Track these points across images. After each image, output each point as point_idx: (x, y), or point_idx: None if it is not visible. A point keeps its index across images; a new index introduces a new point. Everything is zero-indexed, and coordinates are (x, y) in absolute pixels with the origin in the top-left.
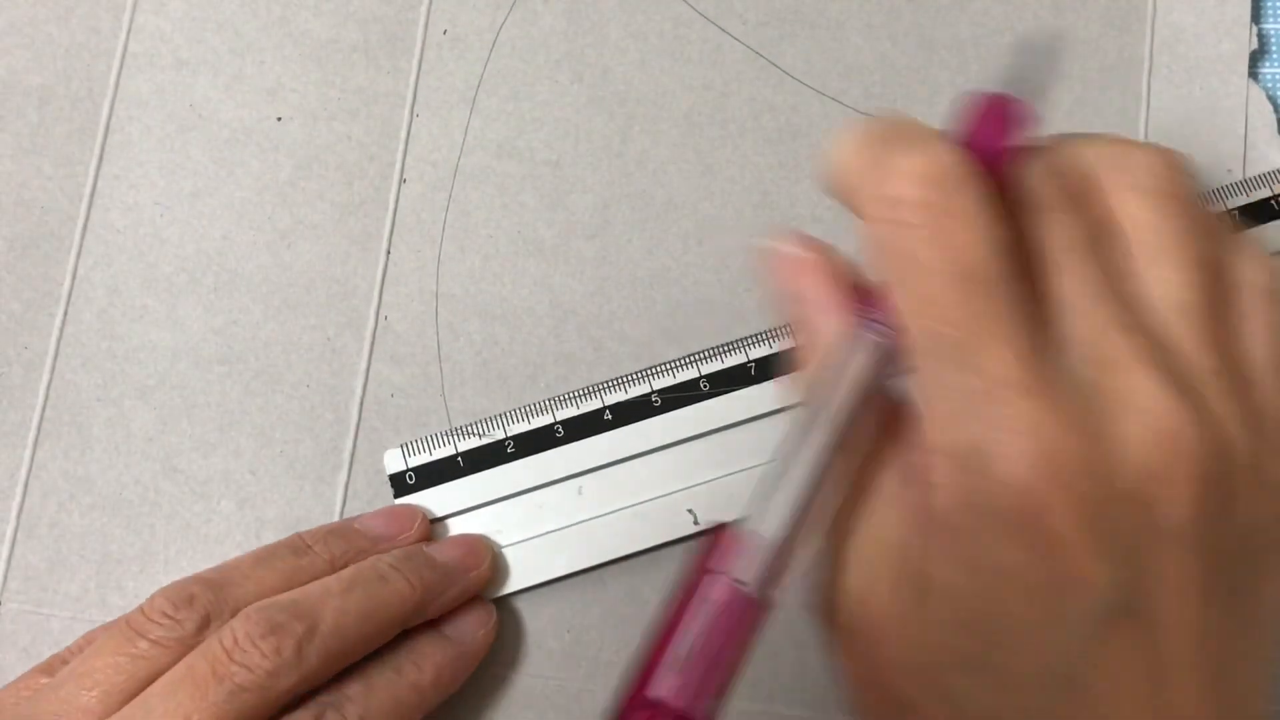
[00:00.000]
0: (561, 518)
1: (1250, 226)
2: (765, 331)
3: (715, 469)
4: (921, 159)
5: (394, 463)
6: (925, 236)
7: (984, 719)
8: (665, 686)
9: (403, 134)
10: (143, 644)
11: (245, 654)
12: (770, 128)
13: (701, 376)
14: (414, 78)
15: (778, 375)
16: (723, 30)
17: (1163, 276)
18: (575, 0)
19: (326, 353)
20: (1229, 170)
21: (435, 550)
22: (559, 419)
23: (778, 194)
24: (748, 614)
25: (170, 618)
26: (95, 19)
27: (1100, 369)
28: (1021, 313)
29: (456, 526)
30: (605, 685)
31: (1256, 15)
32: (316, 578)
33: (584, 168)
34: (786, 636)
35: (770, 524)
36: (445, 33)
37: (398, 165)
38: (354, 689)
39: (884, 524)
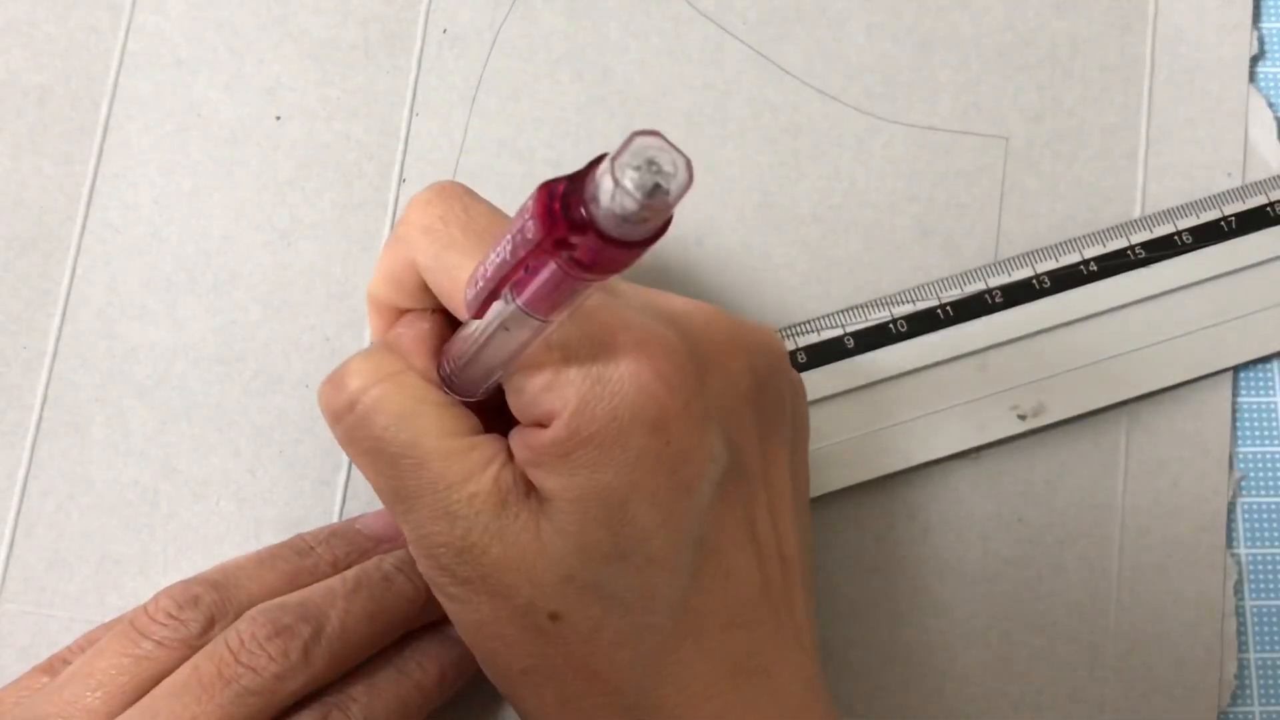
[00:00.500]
0: None
1: (1245, 233)
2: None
3: None
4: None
5: None
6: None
7: (635, 598)
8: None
9: (402, 133)
10: (147, 644)
11: (252, 656)
12: (770, 127)
13: None
14: (413, 77)
15: None
16: (723, 29)
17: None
18: None
19: (326, 353)
20: (1228, 174)
21: None
22: None
23: (778, 193)
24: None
25: (175, 618)
26: (94, 18)
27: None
28: None
29: None
30: None
31: (1257, 18)
32: (320, 578)
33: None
34: None
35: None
36: (445, 31)
37: (397, 165)
38: (358, 690)
39: (487, 470)
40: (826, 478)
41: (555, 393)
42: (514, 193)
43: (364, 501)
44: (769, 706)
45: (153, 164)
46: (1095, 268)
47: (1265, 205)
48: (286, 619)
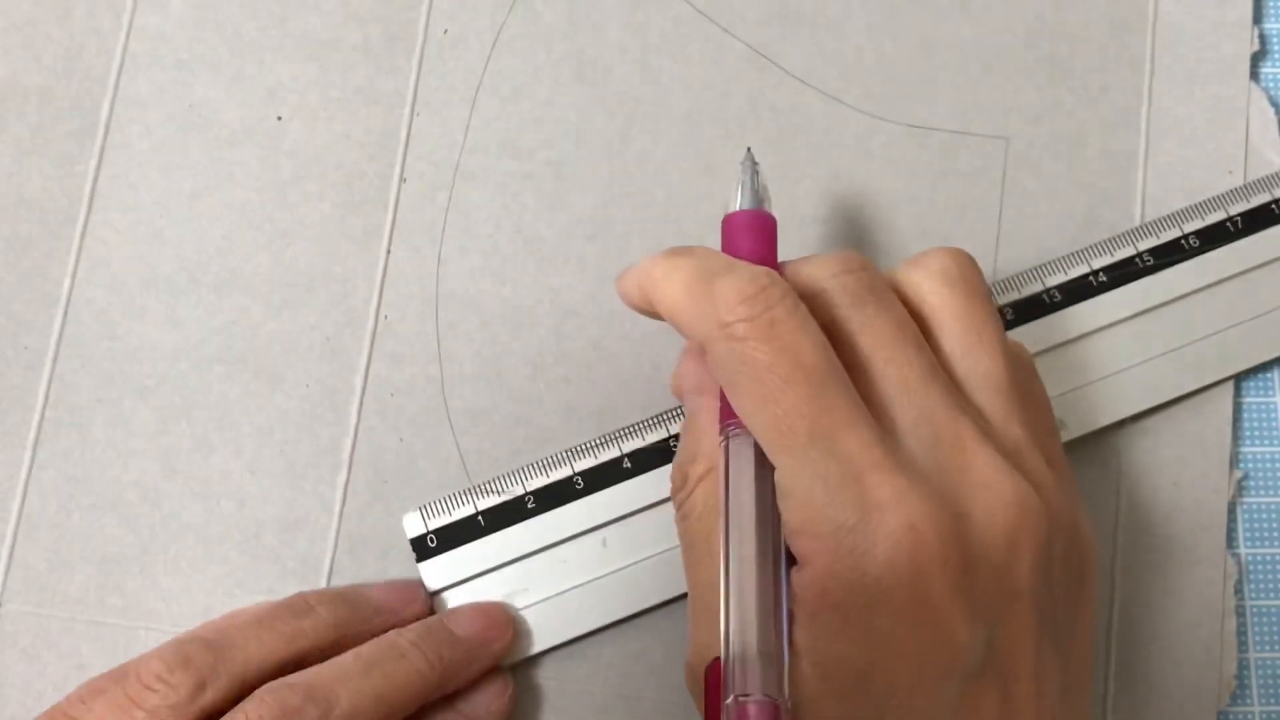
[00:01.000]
0: (586, 572)
1: (1252, 232)
2: None
3: None
4: (738, 281)
5: (414, 526)
6: (760, 345)
7: None
8: None
9: (403, 133)
10: (139, 715)
11: None
12: (771, 127)
13: None
14: (414, 77)
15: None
16: (724, 29)
17: (980, 359)
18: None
19: (326, 352)
20: (1229, 172)
21: (454, 622)
22: (578, 470)
23: (778, 194)
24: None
25: (165, 682)
26: (95, 19)
27: (939, 448)
28: (859, 402)
29: (480, 587)
30: None
31: (1258, 16)
32: (318, 641)
33: (584, 167)
34: None
35: (751, 640)
36: (446, 32)
37: (398, 165)
38: None
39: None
40: None
41: (808, 537)
42: (514, 193)
43: (364, 502)
44: None
45: (154, 164)
46: (1105, 278)
47: (1270, 203)
48: (294, 700)
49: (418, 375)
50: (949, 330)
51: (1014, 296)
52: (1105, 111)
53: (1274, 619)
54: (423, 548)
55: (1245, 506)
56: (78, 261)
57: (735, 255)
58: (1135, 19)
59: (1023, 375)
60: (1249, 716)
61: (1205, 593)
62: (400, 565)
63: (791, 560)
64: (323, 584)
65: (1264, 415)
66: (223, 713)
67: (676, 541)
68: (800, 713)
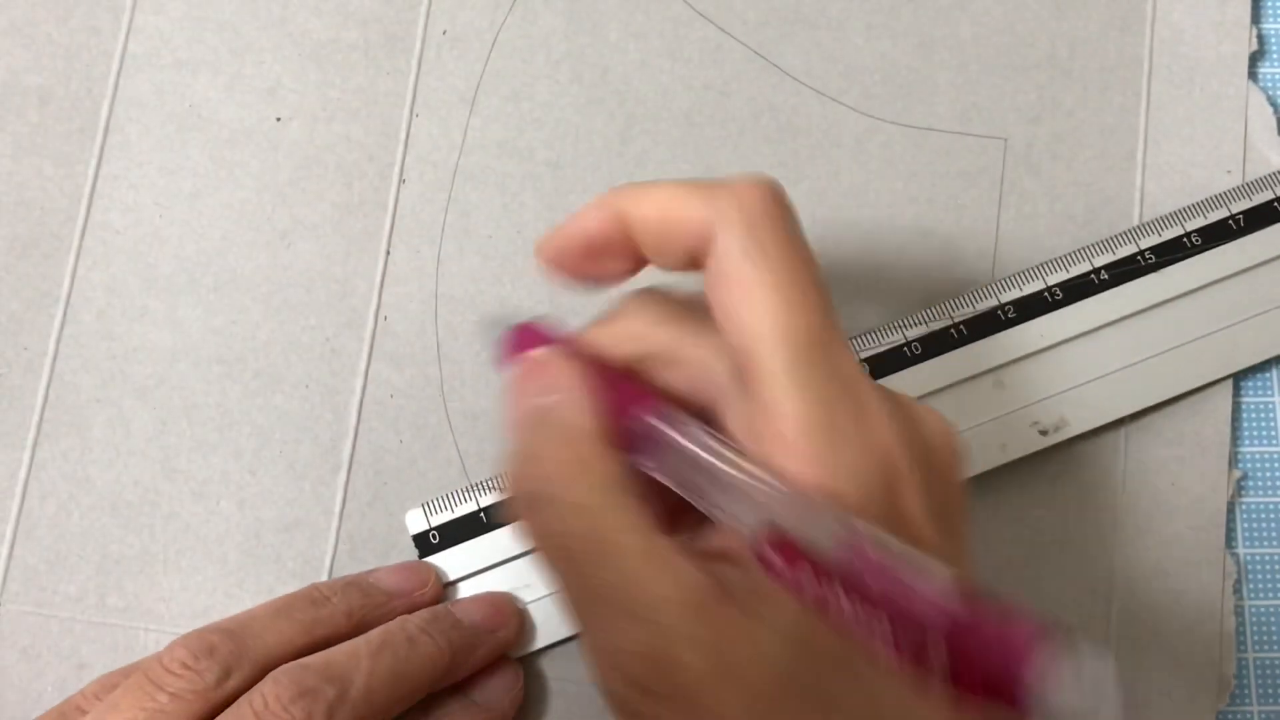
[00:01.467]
0: None
1: (1254, 230)
2: None
3: None
4: (750, 180)
5: (416, 523)
6: (773, 238)
7: (863, 711)
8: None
9: (402, 134)
10: (162, 697)
11: (276, 718)
12: (770, 128)
13: None
14: (413, 78)
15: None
16: (723, 30)
17: None
18: (575, 0)
19: (326, 353)
20: (1228, 171)
21: (461, 610)
22: None
23: None
24: (862, 537)
25: (190, 669)
26: (95, 19)
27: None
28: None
29: (483, 583)
30: None
31: (1256, 16)
32: (334, 630)
33: (584, 168)
34: None
35: (768, 508)
36: (445, 33)
37: (397, 165)
38: None
39: (684, 569)
40: None
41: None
42: (513, 193)
43: (364, 502)
44: None
45: (153, 165)
46: (1106, 276)
47: (1273, 200)
48: (311, 680)
49: (417, 376)
50: None
51: (1015, 294)
52: (1105, 111)
53: (1273, 619)
54: (425, 544)
55: (1244, 506)
56: (77, 262)
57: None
58: (1135, 19)
59: None
60: (1248, 716)
61: (1204, 593)
62: None
63: None
64: None
65: (1263, 415)
66: None
67: None
68: (791, 663)
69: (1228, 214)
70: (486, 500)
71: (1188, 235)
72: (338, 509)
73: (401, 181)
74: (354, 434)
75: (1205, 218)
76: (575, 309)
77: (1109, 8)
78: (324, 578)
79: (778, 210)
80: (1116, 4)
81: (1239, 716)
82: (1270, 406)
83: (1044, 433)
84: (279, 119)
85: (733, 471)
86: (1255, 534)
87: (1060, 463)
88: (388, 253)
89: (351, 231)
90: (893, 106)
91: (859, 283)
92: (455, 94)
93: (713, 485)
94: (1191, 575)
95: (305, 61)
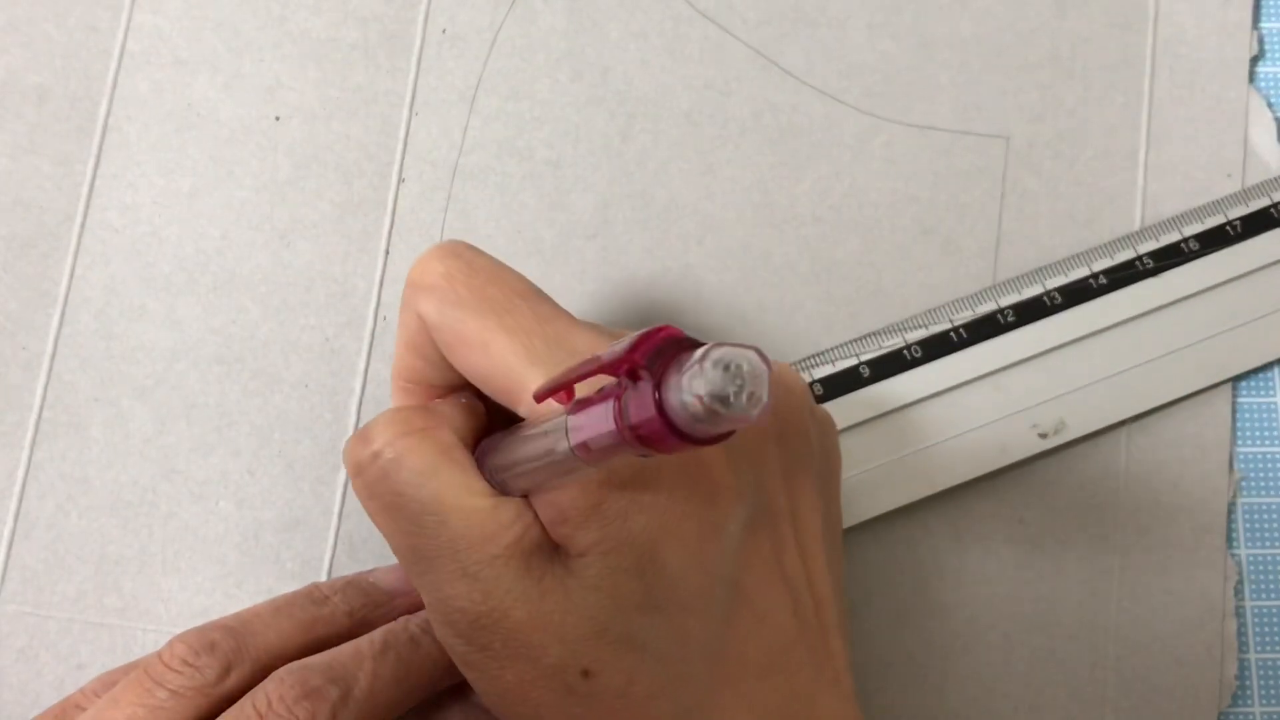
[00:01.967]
0: None
1: (1251, 236)
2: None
3: None
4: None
5: None
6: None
7: (670, 647)
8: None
9: (401, 133)
10: (161, 694)
11: (280, 718)
12: (771, 127)
13: None
14: (413, 77)
15: None
16: (723, 29)
17: None
18: None
19: (325, 353)
20: (1228, 174)
21: None
22: None
23: (778, 194)
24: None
25: (190, 665)
26: (93, 18)
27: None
28: (557, 307)
29: None
30: None
31: (1258, 18)
32: (334, 629)
33: (584, 167)
34: None
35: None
36: (444, 31)
37: (396, 165)
38: None
39: (510, 530)
40: (853, 509)
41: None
42: (513, 192)
43: None
44: None
45: (152, 164)
46: (1105, 280)
47: (1269, 206)
48: (315, 680)
49: None
50: None
51: (1015, 298)
52: (1105, 111)
53: (1274, 620)
54: None
55: (1244, 507)
56: (76, 261)
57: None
58: (1135, 19)
59: None
60: (1249, 717)
61: (1205, 594)
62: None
63: None
64: None
65: (1262, 416)
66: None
67: None
68: (595, 604)
69: (1225, 220)
70: None
71: (1185, 241)
72: (337, 509)
73: (401, 181)
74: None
75: (1203, 223)
76: (575, 308)
77: (1111, 7)
78: (323, 578)
79: (438, 269)
80: (1118, 3)
81: (1240, 717)
82: (1270, 407)
83: (1043, 436)
84: (278, 118)
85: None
86: (1256, 535)
87: (1060, 464)
88: (387, 252)
89: (351, 231)
90: (894, 105)
91: (859, 283)
92: (455, 93)
93: (526, 453)
94: (1192, 576)
95: (304, 60)
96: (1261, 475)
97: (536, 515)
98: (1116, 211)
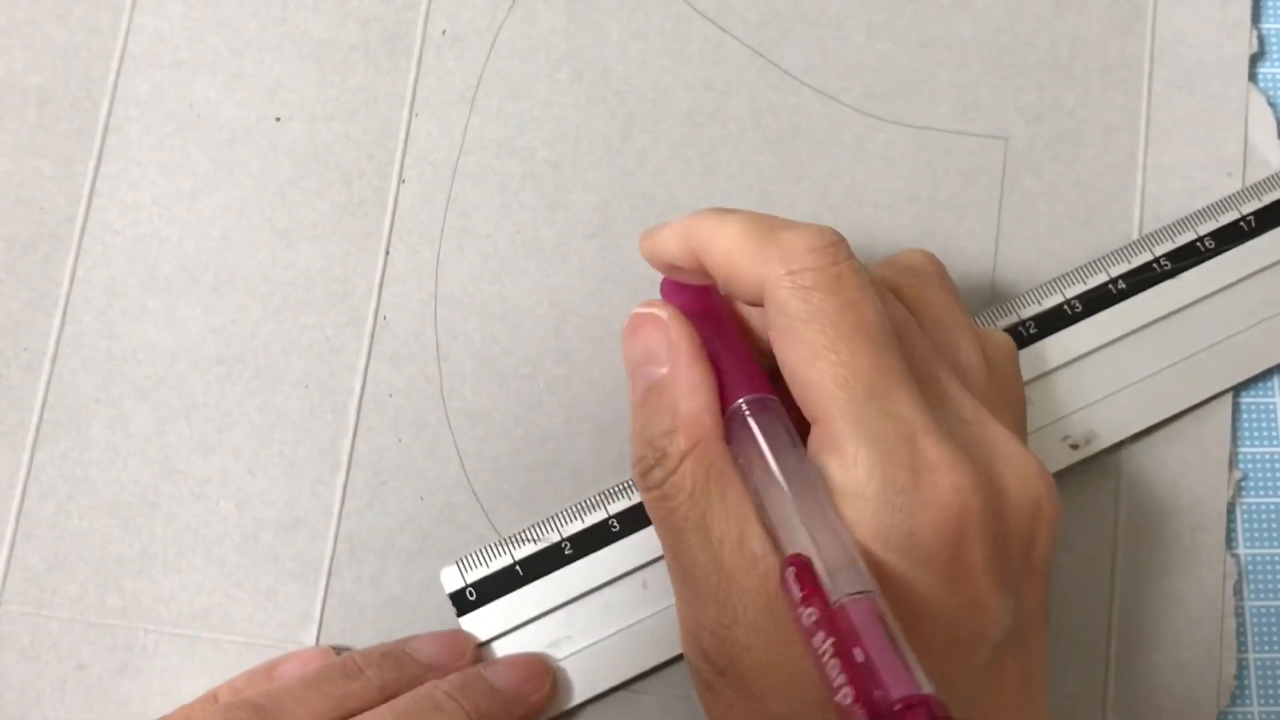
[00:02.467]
0: (628, 615)
1: (1266, 230)
2: None
3: None
4: (807, 232)
5: (452, 581)
6: (826, 296)
7: None
8: (901, 685)
9: (402, 133)
10: None
11: None
12: (770, 127)
13: None
14: (413, 77)
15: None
16: (723, 30)
17: (960, 350)
18: None
19: (325, 353)
20: (1229, 173)
21: (493, 674)
22: (612, 513)
23: (778, 193)
24: (873, 608)
25: None
26: (94, 19)
27: (964, 423)
28: (907, 367)
29: (524, 638)
30: None
31: (1257, 17)
32: (366, 704)
33: (584, 167)
34: None
35: (808, 546)
36: (444, 32)
37: (397, 165)
38: None
39: (758, 567)
40: None
41: (854, 497)
42: (513, 192)
43: (363, 501)
44: None
45: (153, 164)
46: (1124, 285)
47: None
48: None
49: (417, 376)
50: (927, 322)
51: (1035, 309)
52: (1105, 111)
53: (1273, 620)
54: (462, 602)
55: (1244, 507)
56: (77, 262)
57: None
58: (1135, 19)
59: (1001, 367)
60: (1249, 717)
61: (1205, 593)
62: (399, 565)
63: None
64: (321, 584)
65: (1262, 416)
66: None
67: None
68: (792, 677)
69: (1238, 216)
70: (521, 553)
71: (1200, 240)
72: (337, 509)
73: (401, 181)
74: (353, 433)
75: (1216, 221)
76: (575, 307)
77: (1110, 8)
78: (323, 578)
79: (825, 261)
80: (1118, 4)
81: (1240, 717)
82: (1270, 407)
83: (1075, 446)
84: (278, 118)
85: (788, 498)
86: (1255, 535)
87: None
88: (387, 252)
89: (351, 231)
90: (893, 106)
91: None
92: (455, 93)
93: (770, 498)
94: (1192, 576)
95: (305, 61)
96: (1261, 475)
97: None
98: (1116, 211)
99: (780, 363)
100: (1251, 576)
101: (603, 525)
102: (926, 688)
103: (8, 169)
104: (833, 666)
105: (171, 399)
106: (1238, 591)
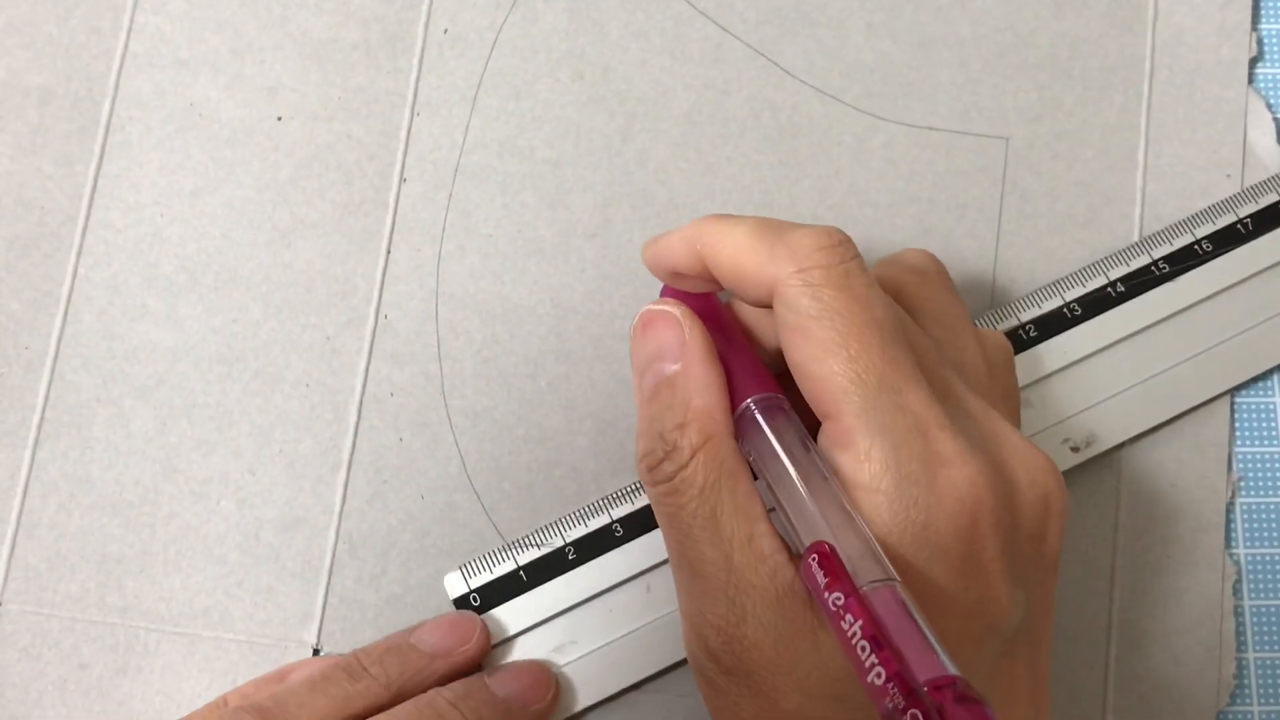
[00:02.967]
0: (633, 620)
1: (1263, 233)
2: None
3: None
4: (815, 232)
5: (456, 586)
6: (836, 293)
7: None
8: (927, 668)
9: (403, 133)
10: None
11: None
12: (770, 126)
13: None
14: (414, 77)
15: None
16: (723, 29)
17: (961, 349)
18: None
19: (326, 352)
20: (1227, 175)
21: (496, 682)
22: (616, 517)
23: (778, 193)
24: (896, 595)
25: None
26: (95, 19)
27: (972, 418)
28: (916, 362)
29: (529, 643)
30: None
31: (1257, 19)
32: (371, 703)
33: (584, 167)
34: None
35: (828, 537)
36: (446, 32)
37: (398, 164)
38: None
39: (766, 563)
40: None
41: (868, 490)
42: (514, 191)
43: (364, 500)
44: None
45: (154, 164)
46: (1123, 288)
47: (1278, 202)
48: None
49: (417, 375)
50: (929, 321)
51: (1035, 312)
52: (1105, 112)
53: (1272, 619)
54: (466, 607)
55: (1243, 507)
56: (78, 261)
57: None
58: (1135, 20)
59: (998, 367)
60: (1248, 716)
61: (1204, 593)
62: (400, 564)
63: None
64: (322, 583)
65: (1261, 416)
66: None
67: None
68: (843, 667)
69: (1235, 218)
70: (525, 558)
71: (1198, 243)
72: (338, 508)
73: (402, 180)
74: (354, 432)
75: (1214, 224)
76: (576, 306)
77: (1110, 8)
78: (324, 577)
79: (834, 259)
80: (1118, 4)
81: (1239, 717)
82: (1269, 407)
83: (1075, 449)
84: (280, 118)
85: (804, 493)
86: (1254, 534)
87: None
88: (388, 251)
89: (352, 230)
90: (893, 105)
91: None
92: (456, 93)
93: (785, 494)
94: (1191, 575)
95: (306, 61)
96: (1260, 475)
97: (791, 556)
98: (1116, 212)
99: (790, 362)
100: (1250, 576)
101: (606, 530)
102: (953, 670)
103: (9, 169)
104: (863, 648)
105: (172, 398)
106: (1237, 591)
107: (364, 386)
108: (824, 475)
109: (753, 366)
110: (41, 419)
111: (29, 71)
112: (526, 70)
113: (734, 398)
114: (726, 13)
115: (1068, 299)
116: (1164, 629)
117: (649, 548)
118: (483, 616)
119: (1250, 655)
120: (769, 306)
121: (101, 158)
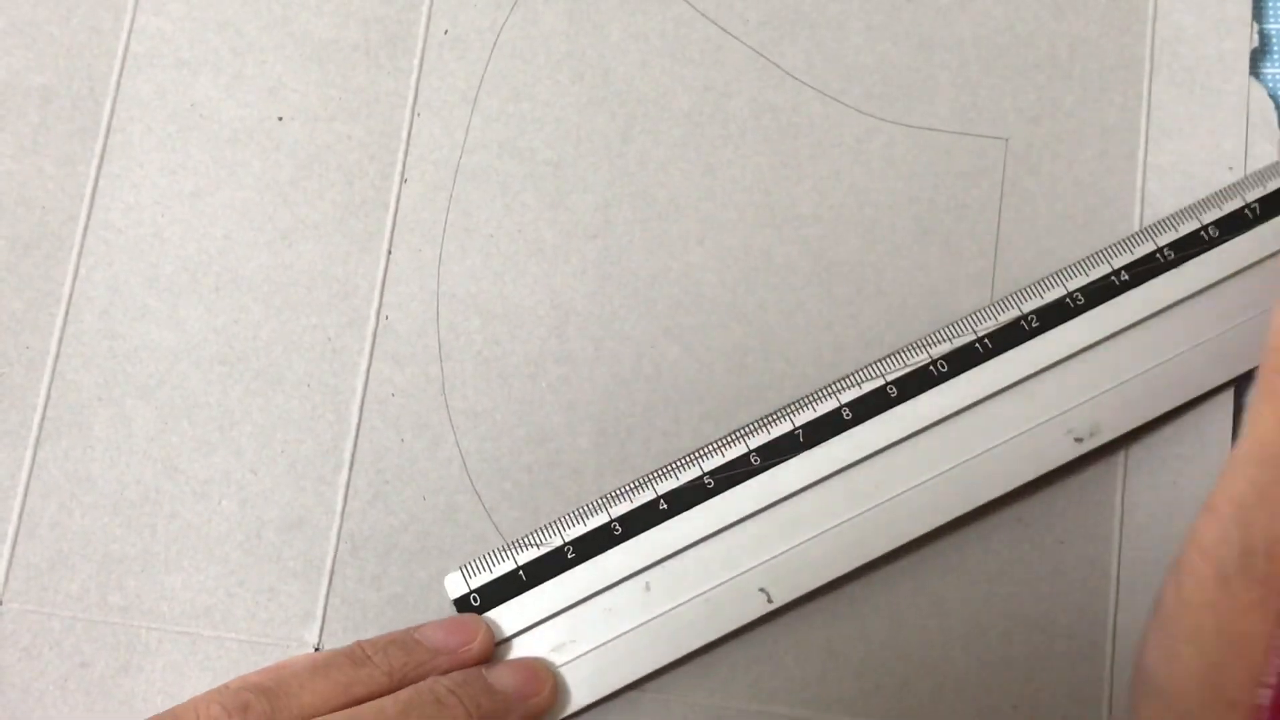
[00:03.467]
0: (632, 618)
1: (1270, 217)
2: (808, 396)
3: (780, 542)
4: None
5: (456, 587)
6: None
7: None
8: None
9: (404, 134)
10: None
11: None
12: (771, 128)
13: (750, 451)
14: (415, 78)
15: (826, 439)
16: (724, 30)
17: None
18: (576, 0)
19: (327, 352)
20: (1230, 169)
21: (494, 676)
22: (615, 516)
23: (779, 194)
24: None
25: None
26: (96, 19)
27: None
28: None
29: (528, 642)
30: None
31: (1258, 14)
32: (373, 690)
33: (585, 167)
34: (786, 636)
35: None
36: (446, 32)
37: (399, 165)
38: None
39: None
40: (891, 534)
41: None
42: (515, 192)
43: (365, 500)
44: None
45: (155, 164)
46: (1127, 277)
47: None
48: None
49: (418, 375)
50: None
51: (1037, 303)
52: (1105, 111)
53: None
54: (466, 607)
55: None
56: (79, 261)
57: None
58: (1135, 19)
59: None
60: None
61: None
62: (401, 564)
63: None
64: (323, 584)
65: None
66: None
67: (719, 580)
68: None
69: (1243, 203)
70: (524, 558)
71: (1204, 228)
72: (339, 508)
73: (403, 181)
74: (355, 433)
75: (1220, 209)
76: (576, 307)
77: (1110, 8)
78: (325, 577)
79: None
80: (1118, 4)
81: None
82: None
83: (1079, 440)
84: (280, 118)
85: None
86: None
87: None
88: (389, 252)
89: (353, 231)
90: (893, 106)
91: (859, 283)
92: (457, 94)
93: None
94: None
95: (307, 61)
96: None
97: None
98: (1116, 212)
99: None
100: None
101: (605, 529)
102: None
103: (10, 169)
104: None
105: (173, 398)
106: None
107: (365, 387)
108: None
109: None
110: (43, 418)
111: (30, 72)
112: (527, 71)
113: None
114: (727, 14)
115: (1070, 288)
116: None
117: (648, 546)
118: (483, 617)
119: None
120: None
121: (102, 158)
